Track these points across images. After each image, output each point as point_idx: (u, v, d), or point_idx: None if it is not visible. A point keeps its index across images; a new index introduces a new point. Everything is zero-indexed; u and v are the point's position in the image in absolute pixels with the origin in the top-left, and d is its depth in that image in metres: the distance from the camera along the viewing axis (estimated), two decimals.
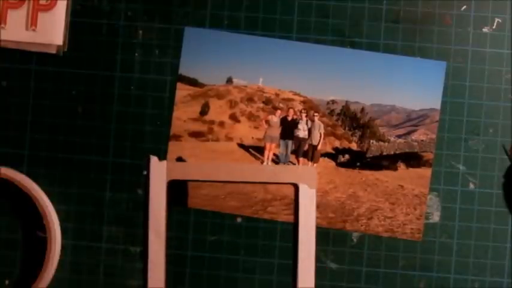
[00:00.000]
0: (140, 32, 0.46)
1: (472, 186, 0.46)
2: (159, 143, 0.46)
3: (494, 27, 0.46)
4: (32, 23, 0.45)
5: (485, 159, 0.46)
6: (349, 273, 0.46)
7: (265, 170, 0.45)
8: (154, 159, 0.43)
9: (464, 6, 0.46)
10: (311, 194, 0.43)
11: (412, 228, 0.45)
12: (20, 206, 0.46)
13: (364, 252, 0.46)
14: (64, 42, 0.46)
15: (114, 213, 0.46)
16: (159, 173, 0.43)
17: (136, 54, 0.46)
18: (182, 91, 0.46)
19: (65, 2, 0.46)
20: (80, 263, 0.46)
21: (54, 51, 0.46)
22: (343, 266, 0.46)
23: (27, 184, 0.44)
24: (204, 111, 0.47)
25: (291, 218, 0.45)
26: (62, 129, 0.46)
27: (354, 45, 0.46)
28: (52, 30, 0.45)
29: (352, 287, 0.45)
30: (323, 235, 0.45)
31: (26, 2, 0.45)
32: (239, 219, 0.46)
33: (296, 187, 0.43)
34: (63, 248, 0.45)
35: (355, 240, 0.46)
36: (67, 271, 0.46)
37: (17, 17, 0.45)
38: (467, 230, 0.45)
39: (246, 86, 0.48)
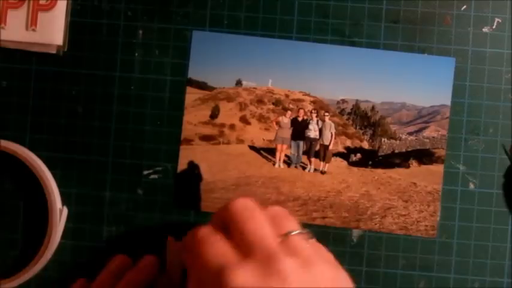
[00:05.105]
0: (140, 32, 0.46)
1: (472, 186, 0.46)
2: (159, 143, 0.46)
3: (494, 27, 0.46)
4: (32, 23, 0.45)
5: (485, 159, 0.46)
6: (349, 273, 0.45)
7: None
8: (171, 240, 0.43)
9: (464, 6, 0.46)
10: None
11: (426, 226, 0.45)
12: (17, 174, 0.46)
13: (364, 252, 0.46)
14: (64, 42, 0.46)
15: (114, 213, 0.46)
16: (175, 253, 0.43)
17: (136, 54, 0.46)
18: (192, 95, 0.46)
19: (65, 2, 0.46)
20: (80, 263, 0.46)
21: (54, 51, 0.46)
22: (343, 266, 0.45)
23: (19, 150, 0.45)
24: (214, 114, 0.47)
25: (305, 219, 0.45)
26: (62, 129, 0.46)
27: (354, 45, 0.46)
28: (52, 30, 0.45)
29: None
30: (323, 235, 0.45)
31: (26, 2, 0.45)
32: None
33: None
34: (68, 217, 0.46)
35: (355, 240, 0.46)
36: (67, 271, 0.46)
37: (17, 17, 0.45)
38: (467, 230, 0.45)
39: (255, 88, 0.48)
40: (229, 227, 0.33)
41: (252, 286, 0.29)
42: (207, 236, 0.33)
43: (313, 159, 0.48)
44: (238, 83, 0.47)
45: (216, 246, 0.32)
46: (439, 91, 0.46)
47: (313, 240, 0.34)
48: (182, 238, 0.36)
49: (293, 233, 0.33)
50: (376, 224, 0.46)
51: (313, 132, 0.48)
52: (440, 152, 0.46)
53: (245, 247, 0.32)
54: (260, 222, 0.33)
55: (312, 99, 0.48)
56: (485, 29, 0.46)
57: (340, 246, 0.46)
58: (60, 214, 0.45)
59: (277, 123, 0.48)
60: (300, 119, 0.48)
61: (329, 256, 0.34)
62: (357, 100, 0.47)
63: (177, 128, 0.46)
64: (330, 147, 0.48)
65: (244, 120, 0.47)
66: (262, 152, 0.48)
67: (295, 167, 0.48)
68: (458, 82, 0.46)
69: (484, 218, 0.45)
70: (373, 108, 0.48)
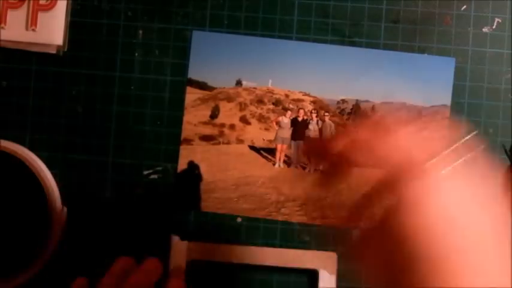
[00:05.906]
0: (140, 32, 0.46)
1: None
2: (159, 143, 0.46)
3: (494, 27, 0.46)
4: (32, 23, 0.45)
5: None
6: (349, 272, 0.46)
7: (286, 254, 0.45)
8: (175, 239, 0.44)
9: (464, 6, 0.46)
10: (331, 280, 0.44)
11: None
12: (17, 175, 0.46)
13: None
14: (64, 42, 0.46)
15: (114, 213, 0.46)
16: (179, 253, 0.44)
17: (136, 54, 0.46)
18: (192, 95, 0.46)
19: (65, 2, 0.46)
20: (80, 263, 0.46)
21: (54, 51, 0.46)
22: (343, 266, 0.45)
23: (19, 150, 0.45)
24: (214, 114, 0.47)
25: (304, 219, 0.45)
26: (62, 129, 0.46)
27: (354, 45, 0.46)
28: (52, 30, 0.45)
29: (352, 287, 0.45)
30: (323, 235, 0.45)
31: (26, 2, 0.45)
32: (239, 219, 0.46)
33: (316, 273, 0.44)
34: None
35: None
36: (67, 271, 0.46)
37: (17, 17, 0.45)
38: None
39: (255, 88, 0.47)
40: None
41: None
42: None
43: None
44: (238, 83, 0.47)
45: None
46: (439, 91, 0.46)
47: None
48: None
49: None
50: None
51: (313, 132, 0.48)
52: None
53: None
54: None
55: (312, 99, 0.47)
56: (485, 29, 0.46)
57: (340, 246, 0.46)
58: (60, 214, 0.45)
59: (277, 123, 0.48)
60: (300, 119, 0.48)
61: None
62: (357, 100, 0.47)
63: (177, 128, 0.46)
64: None
65: (244, 120, 0.47)
66: (262, 152, 0.47)
67: (295, 167, 0.48)
68: (458, 82, 0.46)
69: None
70: (373, 108, 0.47)
